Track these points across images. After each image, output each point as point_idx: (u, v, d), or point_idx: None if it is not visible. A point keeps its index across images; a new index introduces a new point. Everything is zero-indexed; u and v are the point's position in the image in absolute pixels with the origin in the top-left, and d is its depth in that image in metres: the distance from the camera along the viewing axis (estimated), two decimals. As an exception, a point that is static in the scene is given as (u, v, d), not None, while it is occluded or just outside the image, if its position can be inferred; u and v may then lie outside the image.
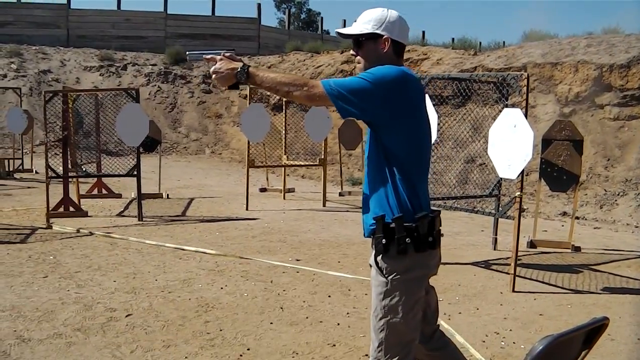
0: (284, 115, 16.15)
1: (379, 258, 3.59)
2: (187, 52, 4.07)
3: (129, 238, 10.31)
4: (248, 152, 13.91)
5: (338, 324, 6.42)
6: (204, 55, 3.80)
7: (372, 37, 3.57)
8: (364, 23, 3.60)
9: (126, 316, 6.47)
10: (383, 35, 3.54)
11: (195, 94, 28.41)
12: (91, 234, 10.65)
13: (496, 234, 10.21)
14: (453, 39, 29.63)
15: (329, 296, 7.35)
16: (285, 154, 15.76)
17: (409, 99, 3.42)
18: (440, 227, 3.61)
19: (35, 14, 31.80)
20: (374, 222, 3.56)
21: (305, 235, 10.93)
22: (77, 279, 7.80)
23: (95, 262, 8.72)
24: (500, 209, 9.53)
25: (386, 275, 3.53)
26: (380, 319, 3.52)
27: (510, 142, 8.07)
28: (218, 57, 3.67)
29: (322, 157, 14.68)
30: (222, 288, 7.53)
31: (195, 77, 29.32)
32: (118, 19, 32.59)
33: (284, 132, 15.90)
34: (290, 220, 12.34)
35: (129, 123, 11.87)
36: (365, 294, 7.44)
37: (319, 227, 11.70)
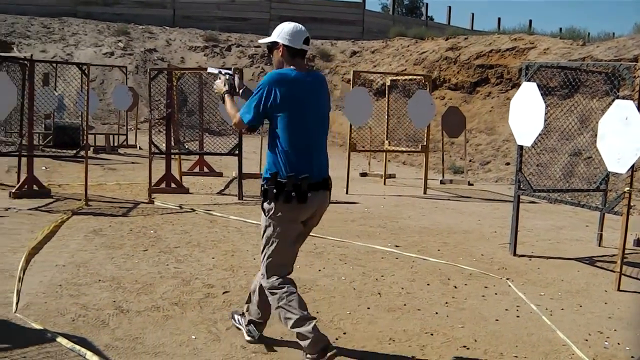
0: (386, 100, 15.95)
1: (264, 203, 4.79)
2: (208, 67, 5.85)
3: (229, 216, 10.32)
4: (350, 135, 13.80)
5: (436, 313, 6.23)
6: (217, 71, 5.38)
7: (273, 45, 4.87)
8: (272, 35, 4.88)
9: (223, 293, 6.45)
10: (278, 43, 4.81)
11: (298, 77, 28.35)
12: (192, 210, 10.71)
13: (602, 230, 9.84)
14: (561, 29, 28.89)
15: (428, 284, 7.18)
16: (387, 139, 15.57)
17: (281, 94, 4.64)
18: (313, 190, 4.70)
19: (143, -6, 32.28)
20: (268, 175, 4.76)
21: (405, 222, 10.76)
22: (176, 254, 7.83)
23: (194, 238, 8.74)
24: (607, 204, 9.17)
25: (266, 215, 4.79)
26: (263, 248, 4.88)
27: (621, 135, 7.72)
28: (221, 76, 5.23)
29: (425, 143, 14.43)
30: (319, 270, 7.43)
31: (299, 59, 29.29)
32: (223, 0, 32.82)
33: (386, 116, 15.71)
34: (390, 206, 12.18)
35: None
36: (465, 284, 7.25)
37: (419, 214, 11.51)
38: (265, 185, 4.73)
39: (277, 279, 4.81)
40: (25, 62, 12.11)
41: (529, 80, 8.76)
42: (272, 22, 31.93)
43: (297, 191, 4.62)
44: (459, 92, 23.21)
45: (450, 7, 38.80)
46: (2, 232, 8.61)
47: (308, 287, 6.74)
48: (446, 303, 6.59)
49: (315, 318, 4.71)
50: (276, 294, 4.77)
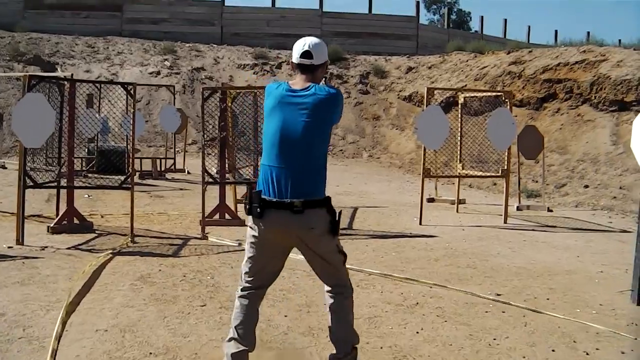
0: (459, 120, 14.56)
1: None
2: None
3: (297, 256, 9.03)
4: (424, 159, 12.44)
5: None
6: None
7: None
8: None
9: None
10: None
11: (352, 95, 27.20)
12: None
13: None
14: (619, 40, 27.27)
15: (553, 350, 5.79)
16: (460, 163, 14.20)
17: (266, 104, 4.68)
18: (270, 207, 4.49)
19: (189, 11, 31.47)
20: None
21: (495, 260, 9.36)
22: (240, 310, 6.52)
23: (259, 286, 7.44)
24: None
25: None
26: None
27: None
28: None
29: (505, 167, 13.01)
30: (417, 333, 6.07)
31: (352, 77, 28.13)
32: (273, 17, 31.90)
33: (459, 137, 14.34)
34: (473, 240, 10.78)
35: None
36: (597, 349, 5.87)
37: (509, 250, 10.10)
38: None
39: (239, 289, 4.87)
40: (65, 81, 10.96)
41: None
42: (324, 37, 30.53)
43: (250, 204, 4.57)
44: (525, 109, 21.79)
45: (506, 20, 37.38)
46: (36, 280, 7.36)
47: (410, 358, 5.38)
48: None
49: (237, 342, 4.66)
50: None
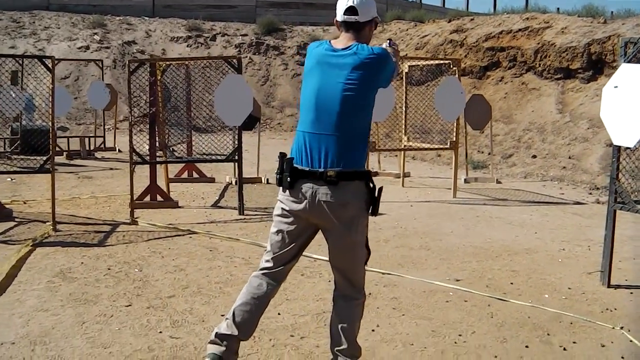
0: (404, 91, 13.85)
1: None
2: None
3: (240, 239, 8.29)
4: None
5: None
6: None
7: None
8: None
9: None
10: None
11: (289, 66, 26.37)
12: (190, 233, 8.67)
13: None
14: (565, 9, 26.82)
15: (527, 346, 5.14)
16: (405, 135, 13.53)
17: (306, 64, 4.28)
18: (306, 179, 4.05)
19: (119, -17, 30.15)
20: None
21: (450, 240, 8.68)
22: (171, 309, 5.72)
23: (193, 279, 6.65)
24: None
25: None
26: None
27: (629, 104, 6.35)
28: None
29: (454, 138, 12.34)
30: (373, 330, 5.35)
31: (289, 47, 27.28)
32: (206, -13, 30.77)
33: (404, 108, 13.65)
34: (423, 217, 10.11)
35: (230, 98, 9.83)
36: (574, 342, 5.24)
37: (463, 228, 9.43)
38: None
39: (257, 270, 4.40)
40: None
41: (630, 61, 6.61)
42: (259, 8, 29.87)
43: (281, 173, 4.13)
44: (468, 78, 21.18)
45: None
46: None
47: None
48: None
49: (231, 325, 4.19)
50: None
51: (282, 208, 4.18)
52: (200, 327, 5.30)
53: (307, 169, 4.05)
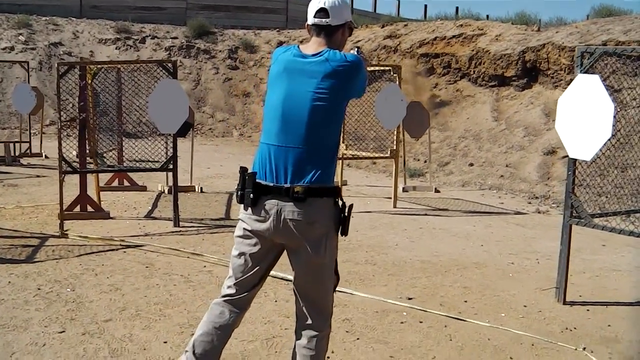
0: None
1: None
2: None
3: (182, 252, 7.86)
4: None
5: None
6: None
7: None
8: None
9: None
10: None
11: (220, 70, 25.86)
12: (123, 246, 8.23)
13: None
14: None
15: (491, 371, 4.88)
16: (344, 142, 13.24)
17: (271, 71, 3.98)
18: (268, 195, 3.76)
19: (44, -18, 29.27)
20: None
21: (395, 253, 8.40)
22: (108, 335, 5.30)
23: (130, 299, 6.22)
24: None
25: None
26: None
27: (586, 116, 6.17)
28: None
29: (394, 147, 12.09)
30: (328, 357, 5.01)
31: (220, 51, 26.74)
32: (135, -12, 30.09)
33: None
34: (365, 229, 9.80)
35: (165, 104, 9.38)
36: (539, 366, 4.99)
37: (407, 240, 9.17)
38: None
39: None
40: None
41: (586, 72, 6.40)
42: (190, 10, 29.30)
43: (242, 189, 3.82)
44: (402, 84, 21.03)
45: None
46: None
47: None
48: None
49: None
50: None
51: (244, 228, 3.89)
52: (142, 356, 4.89)
53: (272, 184, 3.77)
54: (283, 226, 3.75)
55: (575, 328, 5.89)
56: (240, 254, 3.92)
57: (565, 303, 6.56)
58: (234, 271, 3.96)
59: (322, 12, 3.89)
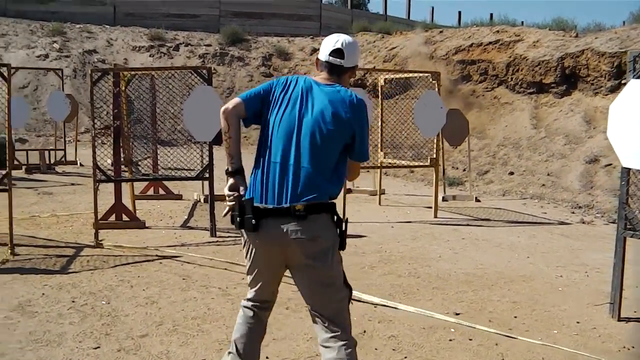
0: (380, 104, 13.30)
1: None
2: None
3: (220, 263, 7.64)
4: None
5: None
6: None
7: None
8: None
9: None
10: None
11: (254, 78, 25.71)
12: (159, 257, 8.04)
13: None
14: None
15: (548, 395, 4.59)
16: (381, 151, 12.99)
17: (274, 89, 3.98)
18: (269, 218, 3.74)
19: (78, -10, 29.28)
20: None
21: (439, 266, 8.13)
22: (144, 351, 5.08)
23: (167, 313, 6.00)
24: None
25: None
26: None
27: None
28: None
29: (434, 155, 11.82)
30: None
31: (254, 59, 26.66)
32: (168, -4, 30.03)
33: (379, 123, 13.11)
34: (406, 240, 9.55)
35: (200, 111, 9.22)
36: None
37: (450, 252, 8.89)
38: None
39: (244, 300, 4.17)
40: None
41: (639, 77, 6.10)
42: (223, 18, 29.24)
43: (241, 215, 3.80)
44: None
45: (410, 1, 36.33)
46: None
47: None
48: None
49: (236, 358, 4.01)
50: None
51: (249, 247, 3.94)
52: (179, 374, 4.67)
53: (272, 206, 3.77)
54: (287, 245, 3.75)
55: (633, 347, 5.58)
56: (251, 269, 4.01)
57: (620, 319, 6.26)
58: (250, 282, 4.07)
59: (338, 52, 3.98)
